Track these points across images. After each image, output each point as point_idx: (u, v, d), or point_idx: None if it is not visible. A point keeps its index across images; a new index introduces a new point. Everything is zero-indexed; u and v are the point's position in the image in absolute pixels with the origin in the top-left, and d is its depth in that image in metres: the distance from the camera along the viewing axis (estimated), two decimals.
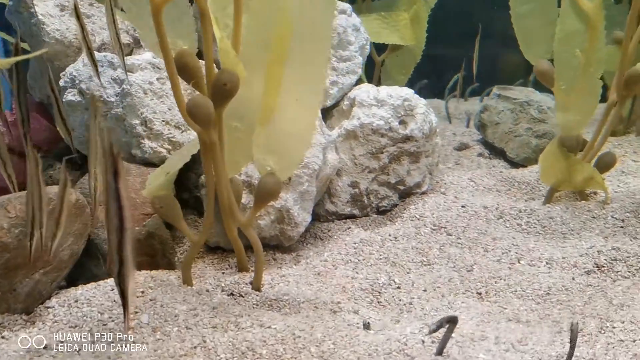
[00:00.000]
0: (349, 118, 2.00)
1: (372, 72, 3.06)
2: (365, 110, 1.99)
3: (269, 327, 1.30)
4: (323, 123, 1.91)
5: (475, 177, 2.34)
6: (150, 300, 1.37)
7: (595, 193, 2.20)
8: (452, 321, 1.19)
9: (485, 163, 2.73)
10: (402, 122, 2.02)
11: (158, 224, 1.57)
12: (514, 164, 2.71)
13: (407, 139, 2.02)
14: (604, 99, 2.04)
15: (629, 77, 1.94)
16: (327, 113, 2.14)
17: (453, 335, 1.32)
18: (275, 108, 1.44)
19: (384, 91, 2.01)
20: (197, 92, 1.39)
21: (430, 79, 3.64)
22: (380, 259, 1.77)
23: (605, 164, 2.10)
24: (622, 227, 2.00)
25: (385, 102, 2.00)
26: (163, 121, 1.74)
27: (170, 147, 1.74)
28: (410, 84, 3.59)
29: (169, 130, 1.74)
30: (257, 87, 1.45)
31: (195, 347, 1.20)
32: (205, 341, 1.22)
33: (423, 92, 3.74)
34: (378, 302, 1.60)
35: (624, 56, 1.93)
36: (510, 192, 2.31)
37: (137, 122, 1.71)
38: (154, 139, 1.73)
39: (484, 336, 1.32)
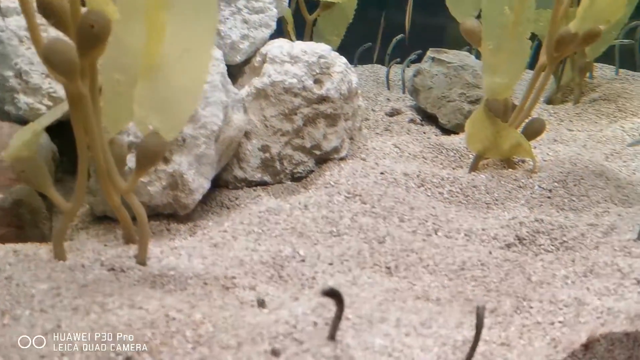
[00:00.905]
0: (260, 75, 1.83)
1: (304, 32, 2.89)
2: (277, 67, 1.82)
3: (140, 307, 1.14)
4: (228, 79, 1.73)
5: (400, 143, 2.20)
6: (6, 278, 1.20)
7: (523, 161, 2.09)
8: (335, 296, 1.05)
9: (416, 129, 2.60)
10: (318, 81, 1.86)
11: (28, 191, 1.38)
12: (446, 131, 2.59)
13: (323, 99, 1.86)
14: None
15: (560, 38, 1.81)
16: (238, 70, 1.96)
17: (349, 316, 1.18)
18: (158, 59, 1.26)
19: (299, 47, 1.85)
20: None
21: (375, 43, 3.47)
22: (287, 229, 1.62)
23: (533, 130, 1.98)
24: (549, 197, 1.89)
25: (299, 59, 1.83)
26: (42, 73, 1.54)
27: (51, 104, 1.55)
28: (353, 48, 3.44)
29: (49, 83, 1.54)
30: (140, 35, 1.26)
31: (46, 334, 1.03)
32: (60, 326, 1.06)
33: (366, 57, 3.62)
34: (279, 277, 1.45)
35: (554, 16, 1.80)
36: (437, 160, 2.18)
37: (11, 74, 1.51)
38: (31, 93, 1.53)
39: (384, 318, 1.18)
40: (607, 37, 2.71)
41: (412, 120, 2.68)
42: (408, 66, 3.02)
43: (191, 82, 1.29)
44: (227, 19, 1.84)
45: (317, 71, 1.85)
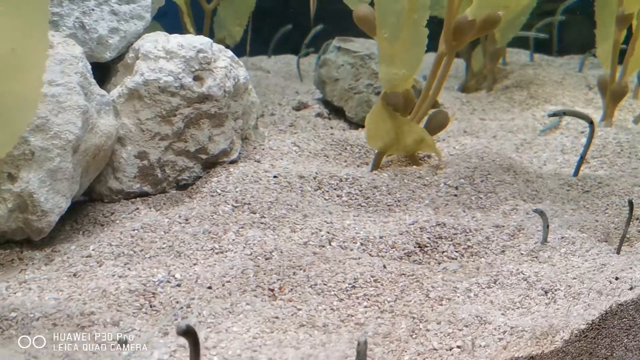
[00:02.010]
0: (132, 74, 1.64)
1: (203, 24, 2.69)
2: (150, 63, 1.63)
3: None
4: (91, 80, 1.53)
5: (300, 141, 2.04)
6: None
7: (429, 156, 1.96)
8: (190, 337, 0.88)
9: (323, 124, 2.43)
10: (198, 78, 1.67)
11: None
12: (354, 125, 2.44)
13: (205, 98, 1.68)
14: None
15: (458, 26, 1.68)
16: (111, 68, 1.76)
17: (214, 359, 1.01)
18: None
19: (175, 40, 1.66)
20: None
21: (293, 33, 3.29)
22: (163, 248, 1.44)
23: (436, 124, 1.85)
24: (455, 195, 1.77)
25: (175, 54, 1.64)
26: None
27: None
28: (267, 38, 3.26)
29: None
30: None
31: None
32: None
33: (280, 46, 3.43)
34: (150, 307, 1.27)
35: (450, 2, 1.67)
36: (340, 157, 2.03)
37: None
38: None
39: (254, 359, 1.02)
40: (516, 22, 2.63)
41: (319, 115, 2.51)
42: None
43: (22, 87, 1.09)
44: (93, 10, 1.63)
45: (197, 67, 1.66)
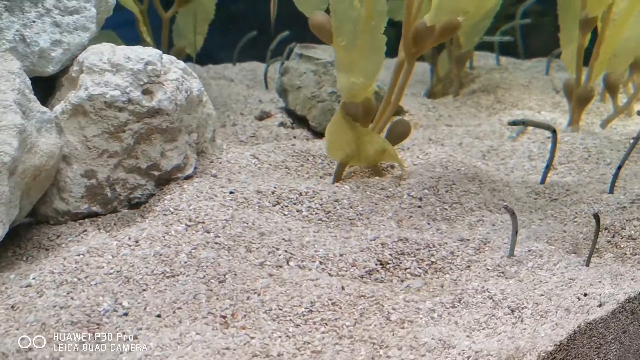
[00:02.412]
0: (77, 88, 1.55)
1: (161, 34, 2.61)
2: (95, 77, 1.54)
3: None
4: (31, 97, 1.45)
5: (260, 153, 1.96)
6: None
7: (393, 166, 1.90)
8: None
9: (286, 134, 2.36)
10: (147, 92, 1.59)
11: None
12: (318, 134, 2.37)
13: (156, 112, 1.60)
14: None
15: (417, 32, 1.62)
16: (55, 82, 1.67)
17: None
18: None
19: (122, 53, 1.57)
20: None
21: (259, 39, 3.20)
22: (111, 274, 1.36)
23: (397, 133, 1.79)
24: (419, 206, 1.71)
25: (122, 67, 1.56)
26: None
27: None
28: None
29: None
30: None
31: None
32: None
33: (246, 53, 3.35)
34: (94, 339, 1.19)
35: (408, 8, 1.61)
36: (302, 169, 1.96)
37: None
38: None
39: None
40: (480, 26, 2.58)
41: (282, 124, 2.44)
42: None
43: None
44: (34, 22, 1.55)
45: (145, 80, 1.58)
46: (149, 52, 1.59)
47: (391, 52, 1.70)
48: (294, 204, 1.66)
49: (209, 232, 1.50)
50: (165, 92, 1.60)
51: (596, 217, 1.37)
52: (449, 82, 2.85)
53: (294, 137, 2.32)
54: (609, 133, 2.14)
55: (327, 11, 1.66)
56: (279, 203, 1.66)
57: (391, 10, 1.71)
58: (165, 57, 1.65)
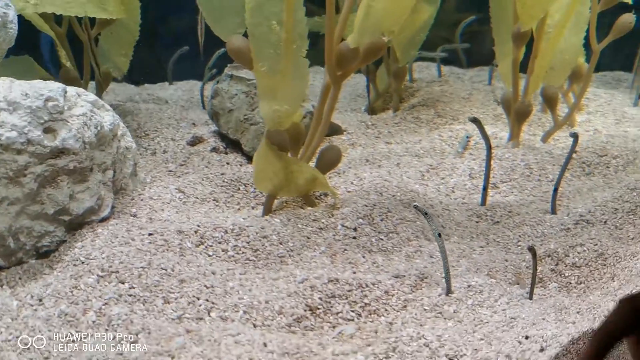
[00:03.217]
0: None
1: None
2: None
3: None
4: None
5: (186, 186, 1.84)
6: None
7: (326, 194, 1.79)
8: None
9: (219, 160, 2.23)
10: (49, 131, 1.46)
11: None
12: (252, 159, 2.24)
13: (60, 152, 1.46)
14: None
15: (340, 55, 1.52)
16: None
17: None
18: None
19: (18, 89, 1.43)
20: None
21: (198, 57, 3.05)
22: (8, 340, 1.21)
23: (327, 161, 1.69)
24: (354, 237, 1.60)
25: (19, 105, 1.42)
26: None
27: None
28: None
29: None
30: None
31: None
32: None
33: (184, 72, 3.21)
34: None
35: (329, 30, 1.50)
36: (232, 200, 1.84)
37: None
38: None
39: None
40: (416, 40, 2.50)
41: (214, 149, 2.32)
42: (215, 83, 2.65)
43: None
44: None
45: (46, 118, 1.44)
46: (50, 87, 1.45)
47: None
48: (219, 243, 1.54)
49: (123, 283, 1.37)
50: (70, 129, 1.47)
51: (532, 250, 1.28)
52: (389, 97, 2.76)
53: (227, 163, 2.20)
54: (551, 147, 2.07)
55: (247, 34, 1.56)
56: (202, 243, 1.54)
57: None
58: (71, 90, 1.52)
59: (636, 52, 2.74)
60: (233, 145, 2.31)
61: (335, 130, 2.41)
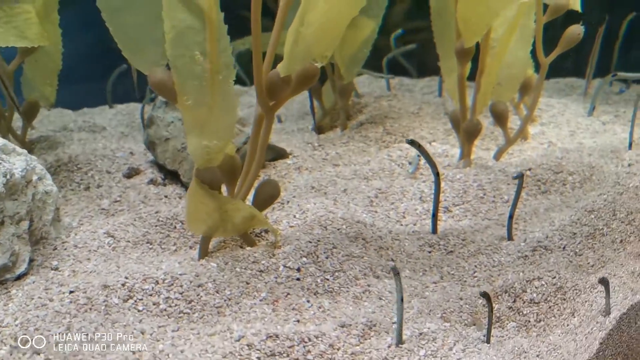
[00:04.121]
0: None
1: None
2: None
3: None
4: None
5: (116, 228, 1.70)
6: None
7: (267, 231, 1.66)
8: None
9: (156, 193, 2.08)
10: None
11: None
12: None
13: None
14: None
15: (270, 84, 1.40)
16: None
17: None
18: None
19: None
20: None
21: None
22: None
23: (264, 197, 1.56)
24: (298, 279, 1.48)
25: None
26: None
27: None
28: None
29: None
30: None
31: None
32: None
33: (127, 94, 3.05)
34: None
35: (256, 58, 1.38)
36: (167, 241, 1.70)
37: None
38: None
39: None
40: (359, 56, 2.40)
41: (152, 181, 2.17)
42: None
43: None
44: None
45: None
46: None
47: None
48: (150, 295, 1.41)
49: (38, 354, 1.22)
50: None
51: (485, 296, 1.18)
52: (337, 114, 2.65)
53: (165, 197, 2.06)
54: (504, 165, 1.98)
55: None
56: (131, 297, 1.40)
57: None
58: None
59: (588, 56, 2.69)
60: (171, 176, 2.17)
61: (279, 154, 2.29)
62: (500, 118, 1.92)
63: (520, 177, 1.58)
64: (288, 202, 1.86)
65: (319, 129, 2.62)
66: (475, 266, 1.55)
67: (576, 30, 1.78)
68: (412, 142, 1.53)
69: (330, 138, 2.50)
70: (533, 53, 1.92)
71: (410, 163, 2.14)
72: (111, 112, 2.94)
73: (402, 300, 1.19)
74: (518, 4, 1.58)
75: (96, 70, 3.14)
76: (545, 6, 1.83)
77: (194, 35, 1.38)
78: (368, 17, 2.35)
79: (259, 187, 1.56)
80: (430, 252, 1.62)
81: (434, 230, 1.68)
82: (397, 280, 1.18)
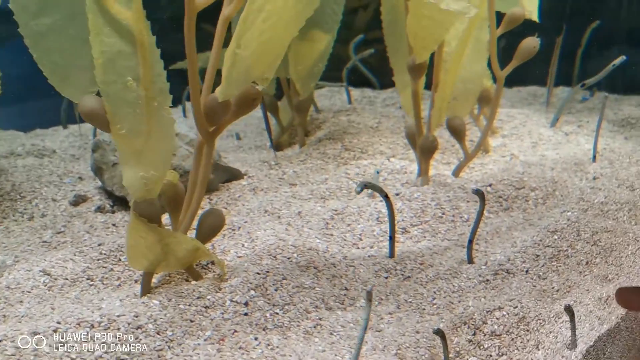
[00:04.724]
0: None
1: None
2: None
3: None
4: None
5: (54, 265, 1.59)
6: None
7: (213, 262, 1.57)
8: None
9: (103, 222, 1.98)
10: None
11: None
12: None
13: None
14: None
15: (209, 109, 1.32)
16: None
17: None
18: None
19: None
20: None
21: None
22: None
23: (208, 228, 1.47)
24: (245, 314, 1.40)
25: None
26: None
27: None
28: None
29: None
30: None
31: None
32: None
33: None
34: None
35: (193, 83, 1.30)
36: (110, 276, 1.60)
37: None
38: None
39: None
40: (315, 71, 2.32)
41: (99, 208, 2.07)
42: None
43: None
44: None
45: None
46: None
47: None
48: (85, 342, 1.30)
49: None
50: None
51: (439, 333, 1.10)
52: (295, 131, 2.58)
53: (113, 225, 1.96)
54: (463, 181, 1.91)
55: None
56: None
57: None
58: None
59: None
60: (120, 202, 2.07)
61: (234, 175, 2.20)
62: (457, 133, 1.85)
63: (479, 194, 1.50)
64: (240, 227, 1.77)
65: (278, 146, 2.54)
66: (435, 292, 1.48)
67: (532, 42, 1.72)
68: (363, 187, 1.46)
69: (287, 156, 2.42)
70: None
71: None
72: (64, 134, 2.83)
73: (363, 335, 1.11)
74: (469, 17, 1.51)
75: (51, 89, 3.03)
76: (500, 17, 1.78)
77: (126, 61, 1.29)
78: (323, 31, 2.28)
79: (202, 218, 1.47)
80: (386, 277, 1.54)
81: (391, 254, 1.60)
82: (367, 308, 1.09)
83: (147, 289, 1.46)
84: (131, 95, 1.30)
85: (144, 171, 1.34)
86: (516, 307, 1.31)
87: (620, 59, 2.10)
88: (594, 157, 2.07)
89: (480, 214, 1.51)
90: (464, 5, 1.11)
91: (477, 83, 1.79)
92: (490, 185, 1.87)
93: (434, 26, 1.51)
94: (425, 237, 1.72)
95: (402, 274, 1.55)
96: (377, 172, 2.08)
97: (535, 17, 2.00)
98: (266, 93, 2.48)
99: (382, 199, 1.87)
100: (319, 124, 2.61)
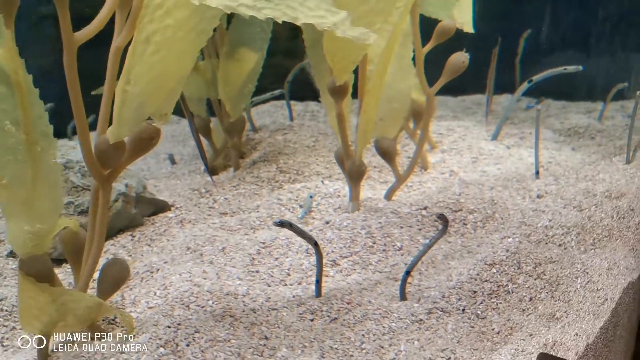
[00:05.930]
0: None
1: None
2: None
3: None
4: None
5: None
6: None
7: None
8: None
9: (14, 269, 1.83)
10: None
11: None
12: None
13: None
14: None
15: (101, 153, 1.19)
16: None
17: None
18: None
19: None
20: None
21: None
22: None
23: (110, 282, 1.34)
24: None
25: None
26: None
27: None
28: None
29: None
30: None
31: None
32: None
33: None
34: None
35: (79, 120, 1.17)
36: (12, 336, 1.47)
37: None
38: None
39: None
40: (245, 91, 2.21)
41: (12, 253, 1.92)
42: None
43: None
44: None
45: None
46: None
47: None
48: None
49: None
50: None
51: None
52: (230, 153, 2.45)
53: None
54: (396, 205, 1.80)
55: None
56: None
57: None
58: None
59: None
60: None
61: (160, 207, 2.07)
62: (386, 155, 1.75)
63: (443, 218, 1.39)
64: (158, 269, 1.64)
65: (213, 170, 2.42)
66: (363, 335, 1.37)
67: (460, 57, 1.62)
68: (282, 224, 1.34)
69: (221, 180, 2.29)
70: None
71: (301, 206, 1.95)
72: None
73: None
74: (387, 36, 1.41)
75: None
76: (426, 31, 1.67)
77: (2, 103, 1.15)
78: (251, 50, 2.17)
79: (103, 270, 1.33)
80: (312, 320, 1.43)
81: (318, 293, 1.49)
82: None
83: (44, 355, 1.32)
84: (10, 141, 1.16)
85: (29, 224, 1.21)
86: (449, 358, 1.20)
87: (576, 67, 2.01)
88: (537, 172, 1.98)
89: (431, 244, 1.40)
90: (362, 31, 1.00)
91: (403, 102, 1.68)
92: (425, 208, 1.77)
93: (349, 47, 1.40)
94: (355, 269, 1.61)
95: (329, 316, 1.44)
96: (310, 197, 1.97)
97: (469, 28, 1.91)
98: (197, 115, 2.36)
99: (314, 227, 1.77)
100: (254, 144, 2.50)
